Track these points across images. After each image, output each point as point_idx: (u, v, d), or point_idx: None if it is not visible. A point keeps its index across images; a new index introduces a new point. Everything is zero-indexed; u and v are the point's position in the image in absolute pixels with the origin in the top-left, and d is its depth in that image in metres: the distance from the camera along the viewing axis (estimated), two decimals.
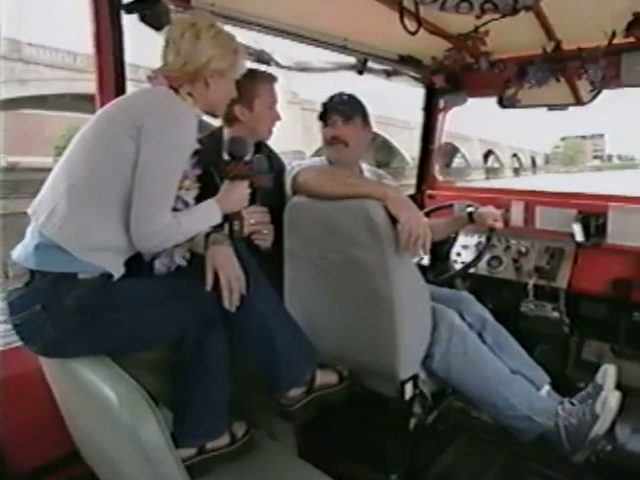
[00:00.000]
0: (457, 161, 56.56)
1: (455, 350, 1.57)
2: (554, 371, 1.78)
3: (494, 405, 1.59)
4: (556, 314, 2.17)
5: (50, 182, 1.22)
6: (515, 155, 68.39)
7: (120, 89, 1.55)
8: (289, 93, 26.52)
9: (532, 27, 2.03)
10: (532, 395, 1.61)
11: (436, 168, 2.91)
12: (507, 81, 2.38)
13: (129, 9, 1.56)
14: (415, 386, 1.55)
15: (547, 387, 1.69)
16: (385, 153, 42.22)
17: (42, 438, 1.43)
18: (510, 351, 1.72)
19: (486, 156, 60.44)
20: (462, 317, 1.67)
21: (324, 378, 1.48)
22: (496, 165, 62.38)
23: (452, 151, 54.18)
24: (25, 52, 23.04)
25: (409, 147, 42.92)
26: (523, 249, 2.31)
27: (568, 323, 2.18)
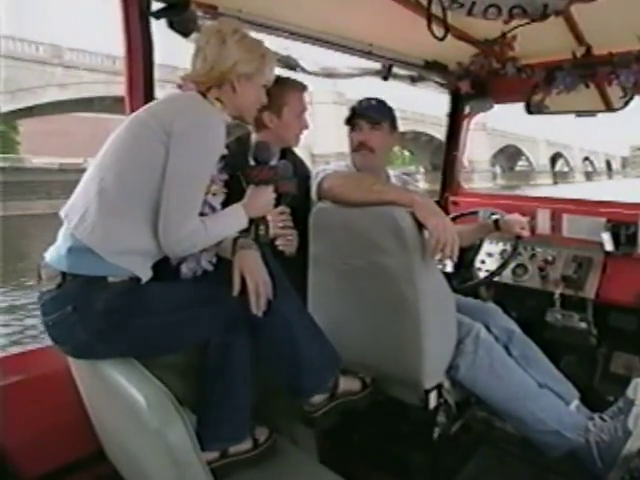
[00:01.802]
0: (520, 164, 54.42)
1: (481, 363, 1.55)
2: (581, 384, 1.74)
3: (521, 419, 1.56)
4: (583, 325, 2.13)
5: (82, 186, 1.25)
6: (587, 158, 65.06)
7: (149, 92, 1.58)
8: (335, 94, 26.29)
9: (561, 32, 2.01)
10: (561, 410, 1.58)
11: (460, 174, 2.89)
12: (535, 87, 2.34)
13: (157, 16, 1.60)
14: (439, 395, 1.54)
15: (576, 402, 1.65)
16: (442, 156, 41.55)
17: (69, 437, 1.45)
18: (538, 365, 1.69)
19: (553, 159, 57.93)
20: (488, 329, 1.65)
21: (347, 385, 1.48)
22: (565, 169, 59.54)
23: (515, 154, 52.43)
24: (66, 57, 23.94)
25: (466, 149, 43.36)
26: (549, 257, 2.27)
27: (596, 334, 2.14)
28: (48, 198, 21.32)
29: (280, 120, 1.69)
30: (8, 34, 23.17)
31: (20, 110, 22.36)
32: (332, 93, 26.78)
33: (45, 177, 23.20)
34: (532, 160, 53.03)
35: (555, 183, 50.27)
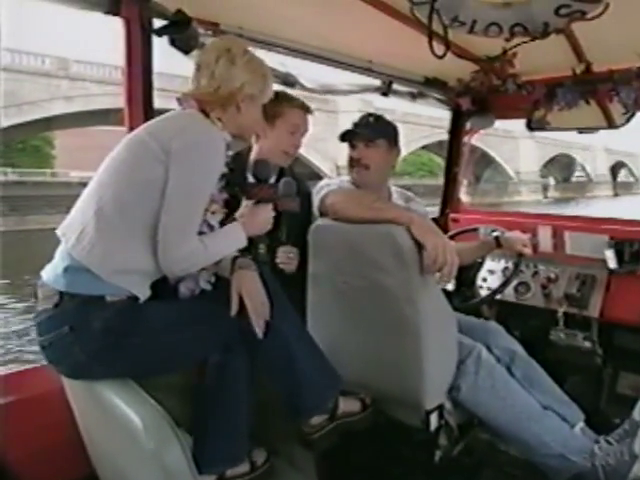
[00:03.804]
0: (577, 174, 51.86)
1: (483, 384, 1.55)
2: (587, 405, 1.74)
3: (525, 442, 1.56)
4: (588, 344, 2.13)
5: (80, 204, 1.26)
6: None
7: (148, 108, 1.61)
8: (362, 101, 25.94)
9: (561, 48, 2.05)
10: (566, 432, 1.58)
11: (462, 190, 2.92)
12: (536, 103, 2.38)
13: (160, 33, 1.64)
14: (441, 416, 1.54)
15: (581, 424, 1.65)
16: (484, 167, 39.53)
17: (60, 458, 1.44)
18: (541, 386, 1.69)
19: (614, 169, 55.00)
20: (489, 350, 1.66)
21: (347, 406, 1.48)
22: (630, 179, 56.49)
23: (570, 164, 50.25)
24: (73, 69, 24.16)
25: (512, 159, 40.58)
26: (552, 275, 2.28)
27: (601, 354, 2.14)
28: None
29: (272, 131, 1.73)
30: (14, 47, 23.43)
31: (27, 123, 22.47)
32: (359, 101, 26.41)
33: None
34: (589, 170, 50.72)
35: (616, 195, 47.72)
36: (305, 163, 27.49)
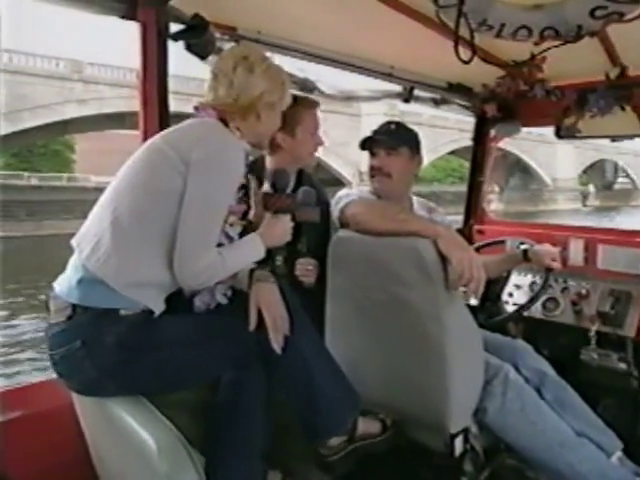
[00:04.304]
0: (620, 180, 49.99)
1: (511, 406, 1.52)
2: (623, 432, 1.69)
3: (557, 471, 1.52)
4: (623, 365, 2.08)
5: (95, 214, 1.27)
6: None
7: (163, 112, 1.62)
8: (386, 105, 25.78)
9: (594, 52, 2.02)
10: (602, 462, 1.54)
11: (493, 197, 2.89)
12: (566, 109, 2.36)
13: (176, 38, 1.65)
14: (466, 440, 1.51)
15: (619, 453, 1.61)
16: (518, 173, 38.89)
17: (68, 478, 1.44)
18: (574, 410, 1.65)
19: None
20: (518, 370, 1.62)
21: (366, 427, 1.46)
22: None
23: (612, 170, 48.78)
24: (86, 72, 24.64)
25: (548, 165, 39.48)
26: (583, 291, 2.24)
27: (637, 376, 2.08)
28: None
29: (293, 139, 1.74)
30: (29, 51, 24.11)
31: (41, 127, 22.92)
32: (383, 104, 26.26)
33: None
34: (633, 176, 48.52)
35: None
36: (326, 169, 27.43)
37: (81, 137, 30.04)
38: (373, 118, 24.41)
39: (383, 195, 1.79)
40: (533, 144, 36.12)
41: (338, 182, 25.61)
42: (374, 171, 1.79)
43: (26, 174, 23.92)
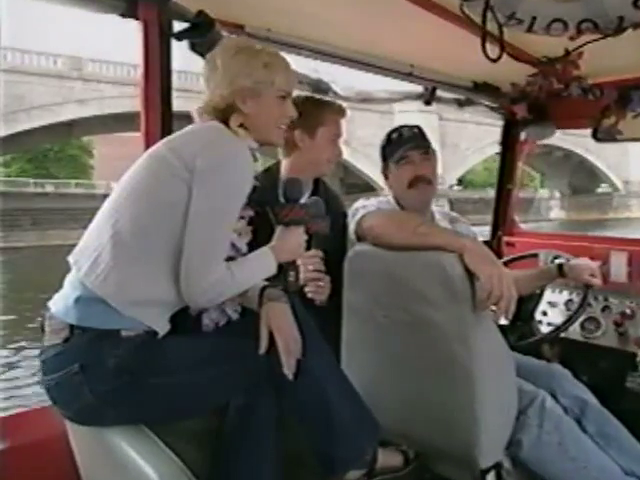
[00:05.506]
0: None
1: (548, 439, 1.49)
2: None
3: None
4: None
5: (94, 228, 1.28)
6: None
7: (166, 113, 1.65)
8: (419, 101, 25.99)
9: (636, 46, 2.01)
10: None
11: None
12: (605, 109, 2.34)
13: (179, 37, 1.68)
14: (498, 477, 1.49)
15: None
16: (584, 176, 37.54)
17: None
18: (621, 445, 1.61)
19: None
20: (555, 398, 1.60)
21: (387, 459, 1.45)
22: None
23: None
24: (87, 69, 25.12)
25: (619, 166, 38.28)
26: (628, 311, 2.21)
27: None
28: None
29: (312, 141, 1.74)
30: (25, 48, 24.58)
31: (42, 130, 23.31)
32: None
33: None
34: None
35: None
36: (357, 174, 27.16)
37: (101, 141, 30.44)
38: (407, 115, 23.45)
39: (416, 207, 1.77)
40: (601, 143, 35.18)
41: (370, 188, 25.21)
42: (415, 180, 1.75)
43: (32, 181, 24.23)
